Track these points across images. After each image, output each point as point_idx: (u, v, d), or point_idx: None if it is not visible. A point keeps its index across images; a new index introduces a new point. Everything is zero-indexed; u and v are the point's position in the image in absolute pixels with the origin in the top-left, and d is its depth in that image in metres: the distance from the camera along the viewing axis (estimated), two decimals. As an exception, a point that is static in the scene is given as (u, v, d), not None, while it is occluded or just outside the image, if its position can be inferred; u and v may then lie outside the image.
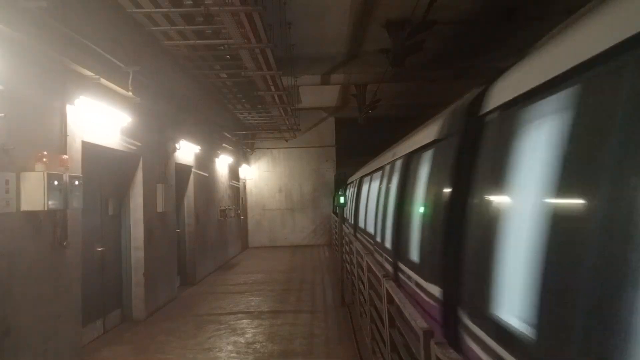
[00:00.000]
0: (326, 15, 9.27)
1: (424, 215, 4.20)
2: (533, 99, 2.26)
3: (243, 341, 6.77)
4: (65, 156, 5.52)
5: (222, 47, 8.42)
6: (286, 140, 18.59)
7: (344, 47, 11.22)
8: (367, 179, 9.79)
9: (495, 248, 2.52)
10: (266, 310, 8.60)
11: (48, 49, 5.20)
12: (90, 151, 6.43)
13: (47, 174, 4.88)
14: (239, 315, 8.29)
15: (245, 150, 18.43)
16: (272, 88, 10.45)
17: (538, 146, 2.16)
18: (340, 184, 18.33)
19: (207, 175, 12.55)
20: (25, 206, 4.79)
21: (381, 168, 7.65)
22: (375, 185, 8.23)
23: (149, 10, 6.57)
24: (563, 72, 1.95)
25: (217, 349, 6.45)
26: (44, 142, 5.24)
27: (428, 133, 4.47)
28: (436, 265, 3.53)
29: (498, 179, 2.63)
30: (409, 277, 4.53)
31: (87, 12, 6.17)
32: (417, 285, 4.13)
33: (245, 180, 19.03)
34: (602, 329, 1.50)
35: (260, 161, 19.63)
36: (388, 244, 6.00)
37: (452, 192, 3.38)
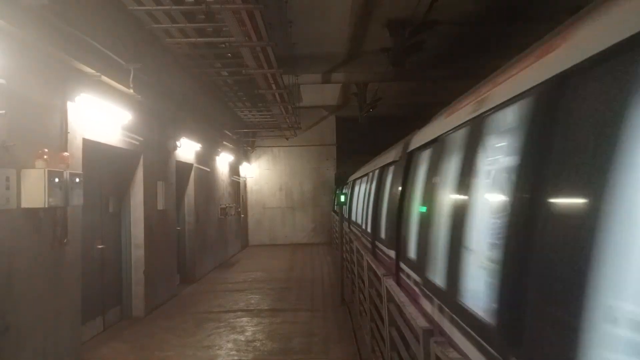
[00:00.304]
0: (327, 14, 9.26)
1: (387, 208, 6.51)
2: (419, 149, 4.94)
3: (243, 339, 6.78)
4: (66, 153, 5.52)
5: (223, 45, 8.41)
6: (287, 139, 18.58)
7: (345, 46, 11.22)
8: (357, 181, 12.08)
9: (412, 228, 4.75)
10: (266, 308, 8.61)
11: (49, 46, 5.20)
12: (91, 149, 6.44)
13: (48, 171, 4.88)
14: (239, 313, 8.30)
15: (245, 148, 18.43)
16: (273, 86, 10.45)
17: (422, 170, 4.66)
18: (341, 183, 18.36)
19: (208, 170, 12.55)
20: (25, 203, 4.79)
21: (366, 174, 9.95)
22: (362, 187, 10.43)
23: (150, 7, 6.57)
24: (426, 142, 4.55)
25: (216, 347, 6.46)
26: (45, 139, 5.24)
27: (390, 155, 6.95)
28: (392, 239, 5.80)
29: (414, 187, 4.89)
30: (380, 248, 6.98)
31: (88, 10, 6.17)
32: (383, 252, 6.55)
33: (245, 178, 19.03)
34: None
35: (260, 159, 19.64)
36: (369, 229, 8.25)
37: (399, 194, 5.55)
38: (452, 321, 2.95)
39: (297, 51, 10.61)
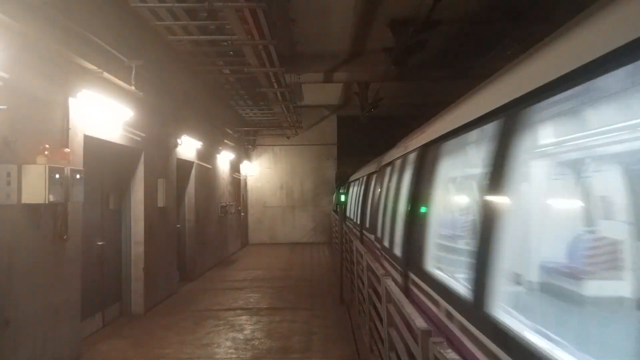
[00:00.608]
0: (330, 12, 9.25)
1: (369, 205, 8.96)
2: (384, 166, 7.37)
3: (242, 337, 6.78)
4: (67, 149, 5.53)
5: (226, 43, 8.41)
6: (288, 138, 18.57)
7: (347, 45, 11.20)
8: (352, 184, 14.83)
9: (380, 217, 6.94)
10: (265, 306, 8.61)
11: (51, 41, 5.20)
12: (92, 145, 6.44)
13: (49, 167, 4.89)
14: (238, 311, 8.30)
15: (246, 146, 18.42)
16: (275, 85, 10.44)
17: (387, 180, 6.86)
18: (341, 183, 18.35)
19: (210, 167, 12.55)
20: (26, 199, 4.80)
21: (358, 179, 12.55)
22: (355, 189, 13.00)
23: (153, 4, 6.57)
24: (387, 162, 7.19)
25: (215, 345, 6.46)
26: (46, 135, 5.24)
27: (372, 167, 9.37)
28: (372, 226, 8.06)
29: (384, 190, 6.88)
30: (365, 234, 9.38)
31: (91, 6, 6.17)
32: (367, 237, 8.89)
33: (246, 176, 19.03)
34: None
35: (261, 158, 19.63)
36: (358, 221, 10.72)
37: (378, 195, 7.61)
38: (388, 261, 5.75)
39: (299, 49, 10.60)
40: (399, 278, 4.83)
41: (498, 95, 2.78)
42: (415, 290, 4.20)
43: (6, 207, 4.57)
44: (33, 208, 4.97)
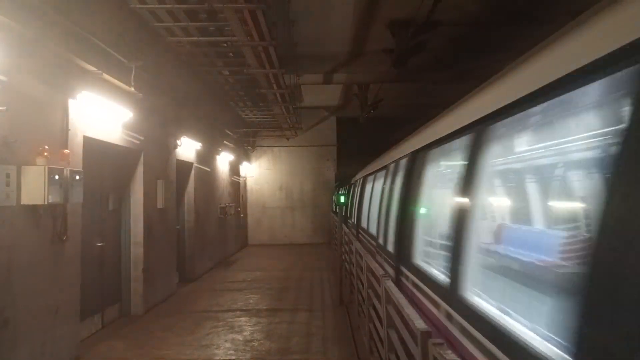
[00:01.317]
0: (330, 14, 9.25)
1: (350, 203, 14.24)
2: (362, 177, 11.40)
3: (241, 339, 6.77)
4: (66, 151, 5.52)
5: (225, 44, 8.40)
6: (287, 139, 18.57)
7: (347, 46, 11.20)
8: (344, 188, 17.69)
9: (353, 210, 12.89)
10: (264, 308, 8.60)
11: (51, 42, 5.20)
12: (92, 146, 6.44)
13: (48, 168, 4.89)
14: (237, 312, 8.29)
15: (246, 147, 18.42)
16: (274, 86, 10.44)
17: (357, 189, 12.21)
18: (341, 183, 18.36)
19: (209, 170, 12.55)
20: (25, 200, 4.80)
21: (348, 184, 16.05)
22: (345, 192, 16.07)
23: (153, 6, 6.57)
24: (364, 175, 11.12)
25: (214, 346, 6.45)
26: (46, 136, 5.24)
27: (356, 177, 13.36)
28: (350, 215, 13.74)
29: (355, 193, 12.77)
30: (347, 221, 13.26)
31: (91, 7, 6.16)
32: (349, 222, 13.48)
33: (245, 178, 19.02)
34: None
35: (261, 159, 19.63)
36: (344, 213, 12.89)
37: (352, 196, 13.60)
38: (350, 228, 11.40)
39: (299, 51, 10.59)
40: (354, 232, 9.75)
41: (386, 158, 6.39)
42: (360, 236, 8.74)
43: (5, 208, 4.56)
44: (32, 209, 4.97)
